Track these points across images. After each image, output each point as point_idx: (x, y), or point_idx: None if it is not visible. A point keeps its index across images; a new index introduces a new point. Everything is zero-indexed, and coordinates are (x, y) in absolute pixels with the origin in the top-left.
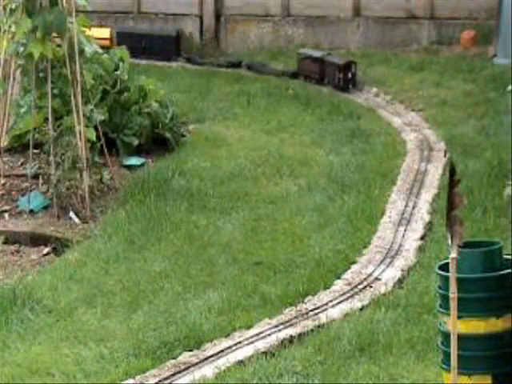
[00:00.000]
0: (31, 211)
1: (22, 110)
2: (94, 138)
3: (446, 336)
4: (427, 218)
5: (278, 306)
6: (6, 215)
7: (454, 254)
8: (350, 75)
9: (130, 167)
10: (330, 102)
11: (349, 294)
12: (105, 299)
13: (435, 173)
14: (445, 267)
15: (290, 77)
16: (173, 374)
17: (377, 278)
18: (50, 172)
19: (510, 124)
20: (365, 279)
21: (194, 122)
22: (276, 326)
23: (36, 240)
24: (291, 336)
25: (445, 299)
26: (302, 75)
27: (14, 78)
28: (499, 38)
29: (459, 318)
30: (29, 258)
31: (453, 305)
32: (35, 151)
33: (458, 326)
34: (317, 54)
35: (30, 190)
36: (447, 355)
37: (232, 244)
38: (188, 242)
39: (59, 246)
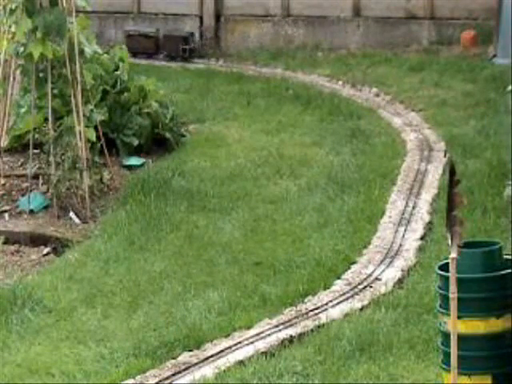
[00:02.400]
0: (31, 211)
1: (22, 110)
2: (94, 138)
3: (446, 336)
4: (427, 218)
5: (277, 305)
6: (6, 215)
7: (454, 254)
8: (192, 46)
9: (130, 167)
10: (331, 102)
11: (349, 294)
12: (105, 299)
13: (435, 173)
14: (445, 267)
15: None
16: (173, 374)
17: (377, 278)
18: (50, 172)
19: (510, 124)
20: (365, 279)
21: (194, 121)
22: (276, 326)
23: (36, 240)
24: (291, 336)
25: (445, 299)
26: (131, 52)
27: (14, 78)
28: (499, 38)
29: (459, 318)
30: (29, 257)
31: (453, 305)
32: (35, 151)
33: (458, 326)
34: (150, 29)
35: (30, 190)
36: (447, 355)
37: (232, 244)
38: (188, 241)
39: (59, 245)
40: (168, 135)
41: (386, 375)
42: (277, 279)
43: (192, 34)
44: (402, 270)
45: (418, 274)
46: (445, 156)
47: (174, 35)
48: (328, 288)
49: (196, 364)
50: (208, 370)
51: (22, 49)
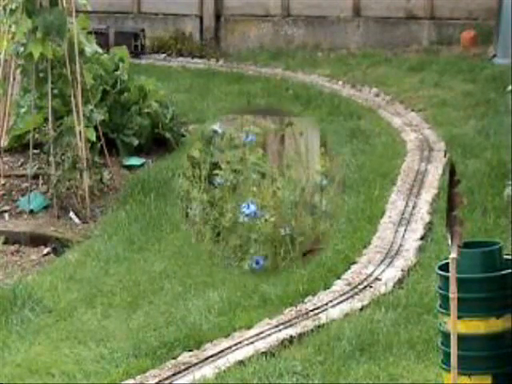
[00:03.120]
0: (31, 211)
1: (22, 110)
2: (94, 138)
3: (446, 336)
4: (427, 218)
5: (278, 305)
6: (6, 215)
7: (454, 254)
8: (143, 42)
9: (130, 167)
10: (331, 102)
11: (349, 294)
12: (105, 299)
13: (435, 173)
14: (445, 267)
15: None
16: (173, 374)
17: (377, 278)
18: (50, 172)
19: (510, 124)
20: (365, 279)
21: (194, 122)
22: (276, 326)
23: (36, 240)
24: (291, 336)
25: (445, 299)
26: None
27: (14, 78)
28: (499, 37)
29: (459, 318)
30: (29, 258)
31: (453, 305)
32: (35, 151)
33: (458, 326)
34: (102, 26)
35: (30, 190)
36: (447, 355)
37: None
38: (188, 241)
39: (59, 246)
40: (168, 135)
41: (386, 375)
42: (277, 279)
43: (143, 31)
44: (402, 270)
45: (418, 274)
46: (445, 156)
47: (124, 32)
48: (328, 288)
49: (196, 364)
50: (208, 370)
51: (22, 49)
